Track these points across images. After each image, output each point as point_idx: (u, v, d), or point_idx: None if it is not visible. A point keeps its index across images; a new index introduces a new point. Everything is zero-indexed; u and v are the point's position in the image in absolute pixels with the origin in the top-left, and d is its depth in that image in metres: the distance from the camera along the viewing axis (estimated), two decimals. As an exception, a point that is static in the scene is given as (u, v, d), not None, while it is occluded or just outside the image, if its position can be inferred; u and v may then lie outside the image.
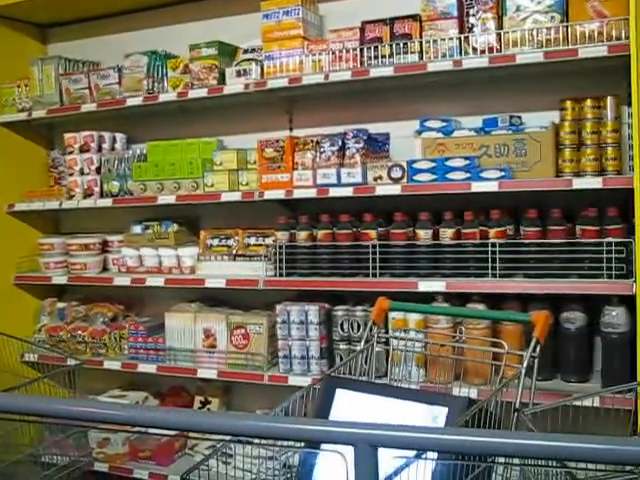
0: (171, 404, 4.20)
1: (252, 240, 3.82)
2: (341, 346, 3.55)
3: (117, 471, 4.03)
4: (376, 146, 3.62)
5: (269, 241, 3.74)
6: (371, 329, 2.90)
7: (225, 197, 3.73)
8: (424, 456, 1.59)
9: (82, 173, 4.19)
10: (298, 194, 3.56)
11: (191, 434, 1.54)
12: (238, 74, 3.73)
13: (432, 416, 2.27)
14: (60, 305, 4.52)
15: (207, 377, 3.88)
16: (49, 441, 3.67)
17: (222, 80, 3.78)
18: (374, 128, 3.70)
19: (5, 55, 4.50)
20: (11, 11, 4.36)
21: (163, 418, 1.50)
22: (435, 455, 1.70)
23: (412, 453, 1.56)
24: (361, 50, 3.46)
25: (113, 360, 4.14)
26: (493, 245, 3.19)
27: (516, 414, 2.39)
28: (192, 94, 3.82)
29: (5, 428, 3.10)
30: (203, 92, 3.79)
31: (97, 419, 1.52)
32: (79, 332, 4.28)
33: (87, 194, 4.17)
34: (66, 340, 4.32)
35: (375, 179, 3.41)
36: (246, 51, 3.81)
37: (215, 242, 3.89)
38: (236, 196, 3.71)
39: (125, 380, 4.38)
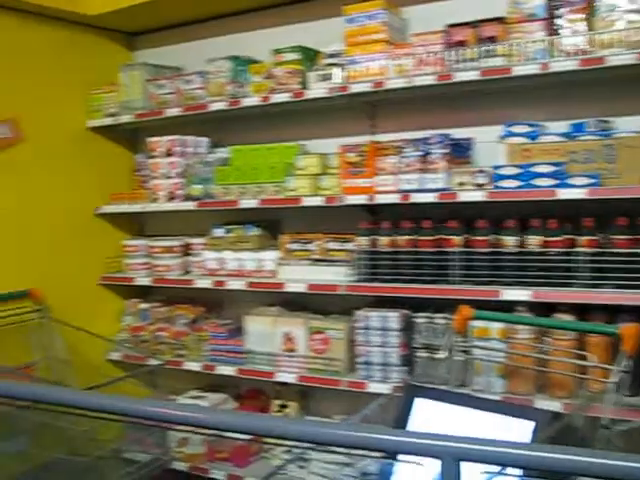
0: (249, 406, 4.23)
1: (333, 245, 3.80)
2: (421, 354, 3.50)
3: (195, 471, 4.09)
4: (459, 151, 3.56)
5: (350, 246, 3.72)
6: (452, 337, 2.85)
7: (307, 201, 3.73)
8: (509, 472, 1.54)
9: (166, 177, 4.25)
10: (380, 199, 3.53)
11: (272, 440, 1.53)
12: (321, 78, 3.74)
13: (516, 429, 2.20)
14: (143, 306, 4.61)
15: (285, 381, 3.89)
16: (131, 438, 3.75)
17: (305, 85, 3.79)
18: (458, 133, 3.64)
19: (94, 62, 4.63)
20: (101, 21, 4.48)
21: (242, 422, 1.49)
22: (520, 472, 1.65)
23: (496, 468, 1.51)
24: (445, 54, 3.41)
25: (193, 361, 4.20)
26: (582, 254, 3.10)
27: (603, 431, 2.31)
28: (275, 98, 3.84)
29: (90, 424, 3.18)
30: (286, 97, 3.80)
31: (176, 421, 1.53)
32: (161, 333, 4.36)
33: (170, 197, 4.24)
34: (148, 340, 4.40)
35: (459, 185, 3.36)
36: (329, 55, 3.80)
37: (296, 246, 3.90)
38: (318, 200, 3.70)
39: (204, 381, 4.44)
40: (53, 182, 4.37)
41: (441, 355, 3.08)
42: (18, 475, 3.53)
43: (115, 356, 4.54)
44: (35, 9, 4.16)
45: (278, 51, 3.89)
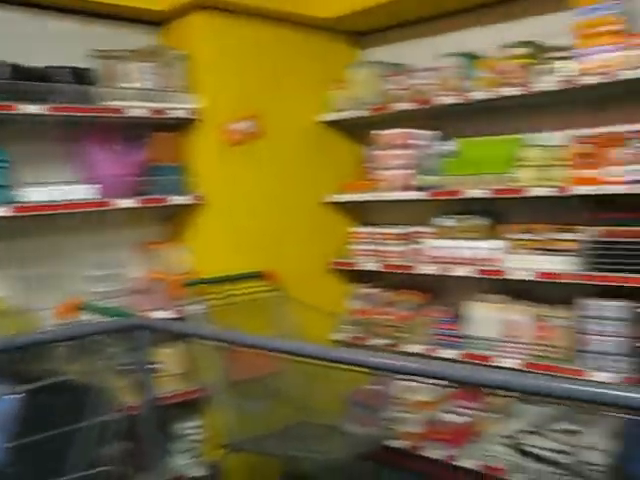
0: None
1: (559, 235, 3.82)
2: (647, 345, 3.49)
3: (412, 449, 4.28)
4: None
5: (576, 236, 3.74)
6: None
7: (533, 192, 3.79)
8: None
9: (396, 168, 4.46)
10: (608, 190, 3.54)
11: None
12: (549, 72, 3.78)
13: None
14: (369, 290, 4.89)
15: (509, 366, 3.96)
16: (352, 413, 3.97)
17: (533, 78, 3.85)
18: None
19: (325, 61, 4.97)
20: (333, 23, 4.79)
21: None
22: None
23: None
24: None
25: (414, 343, 4.42)
26: None
27: None
28: (504, 92, 3.92)
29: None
30: (515, 91, 3.87)
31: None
32: (386, 316, 4.61)
33: (399, 187, 4.43)
34: (373, 323, 4.66)
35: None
36: (557, 49, 3.83)
37: (521, 236, 3.96)
38: (545, 191, 3.75)
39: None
40: (286, 173, 4.73)
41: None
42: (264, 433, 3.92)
43: (338, 337, 4.83)
44: (274, 14, 4.53)
45: (507, 46, 3.99)
